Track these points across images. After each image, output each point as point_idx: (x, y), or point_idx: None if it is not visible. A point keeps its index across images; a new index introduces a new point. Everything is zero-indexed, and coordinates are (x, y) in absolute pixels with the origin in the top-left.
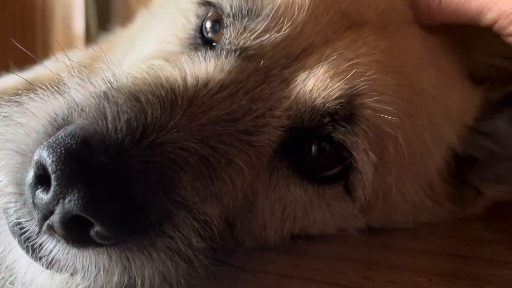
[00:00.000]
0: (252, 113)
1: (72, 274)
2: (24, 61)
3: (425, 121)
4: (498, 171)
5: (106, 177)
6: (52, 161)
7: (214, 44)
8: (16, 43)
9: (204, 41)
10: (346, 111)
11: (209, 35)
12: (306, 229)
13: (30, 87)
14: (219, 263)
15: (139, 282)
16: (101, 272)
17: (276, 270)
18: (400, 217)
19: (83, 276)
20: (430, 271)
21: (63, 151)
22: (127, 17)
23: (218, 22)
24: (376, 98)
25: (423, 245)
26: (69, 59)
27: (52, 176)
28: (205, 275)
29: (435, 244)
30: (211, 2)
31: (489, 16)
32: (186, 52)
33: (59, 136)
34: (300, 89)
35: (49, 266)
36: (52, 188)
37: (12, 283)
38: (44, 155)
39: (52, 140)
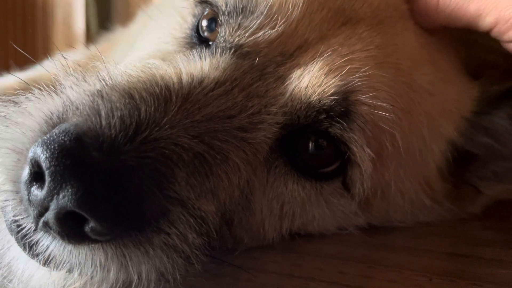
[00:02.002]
0: (248, 110)
1: (69, 271)
2: (25, 61)
3: (422, 117)
4: (497, 169)
5: (99, 173)
6: (46, 157)
7: (210, 43)
8: (16, 46)
9: (200, 40)
10: (342, 107)
11: (205, 34)
12: (305, 226)
13: (29, 87)
14: (218, 262)
15: (136, 278)
16: (98, 268)
17: (276, 269)
18: (399, 215)
19: (80, 273)
20: (430, 271)
21: (56, 148)
22: (127, 16)
23: (214, 21)
24: (371, 94)
25: (424, 244)
26: (65, 58)
27: (46, 173)
28: (204, 274)
29: (435, 243)
30: (207, 1)
31: (487, 20)
32: (183, 51)
33: (53, 134)
34: (295, 86)
35: (46, 263)
36: (46, 185)
37: (10, 281)
38: (38, 152)
39: (46, 137)
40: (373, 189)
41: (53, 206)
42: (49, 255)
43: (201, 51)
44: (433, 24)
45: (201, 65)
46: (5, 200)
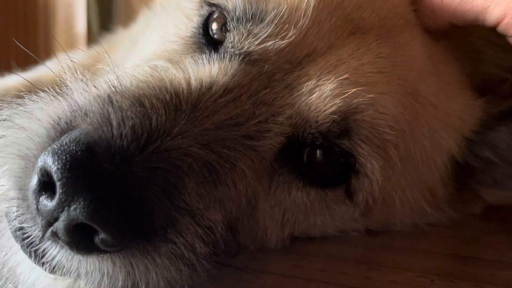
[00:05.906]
0: (255, 118)
1: (75, 279)
2: (26, 61)
3: (425, 129)
4: (496, 176)
5: (112, 185)
6: (58, 168)
7: (218, 46)
8: (18, 43)
9: (207, 40)
10: (345, 123)
11: (215, 36)
12: (306, 231)
13: (32, 88)
14: (221, 266)
15: (143, 287)
16: (105, 277)
17: (278, 270)
18: (398, 221)
19: (87, 281)
20: (432, 272)
21: (68, 158)
22: (129, 17)
23: (224, 25)
24: (376, 110)
25: (425, 245)
26: (71, 60)
27: (58, 184)
28: (206, 275)
29: (436, 244)
30: (216, 4)
31: (495, 12)
32: (190, 52)
33: (64, 142)
34: (304, 100)
35: (53, 271)
36: (57, 196)
37: (15, 286)
38: (49, 162)
39: (57, 146)
40: (374, 197)
41: (63, 217)
42: (56, 263)
43: (209, 55)
44: (439, 22)
45: (209, 70)
46: (11, 207)
